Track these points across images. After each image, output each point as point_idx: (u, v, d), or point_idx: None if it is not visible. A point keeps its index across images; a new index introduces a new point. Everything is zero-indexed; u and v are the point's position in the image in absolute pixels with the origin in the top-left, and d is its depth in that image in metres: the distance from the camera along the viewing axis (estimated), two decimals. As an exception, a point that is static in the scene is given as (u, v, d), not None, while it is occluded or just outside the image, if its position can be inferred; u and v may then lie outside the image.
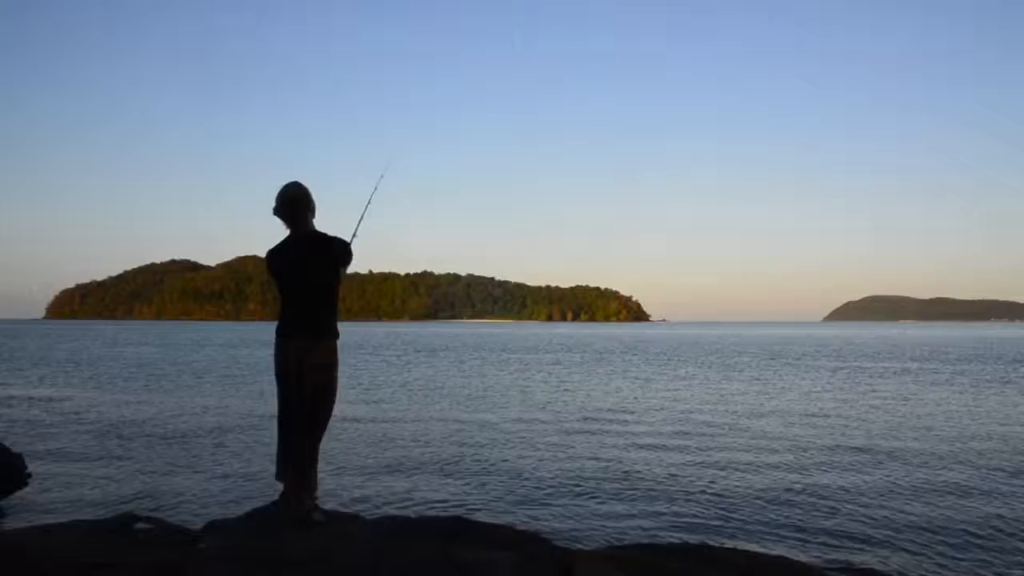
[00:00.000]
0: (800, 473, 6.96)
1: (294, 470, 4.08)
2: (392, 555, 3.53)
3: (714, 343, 47.34)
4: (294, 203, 4.18)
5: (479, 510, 5.49)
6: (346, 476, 6.69)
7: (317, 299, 4.07)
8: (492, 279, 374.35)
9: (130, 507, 5.42)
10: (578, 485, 6.43)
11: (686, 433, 9.37)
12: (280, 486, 4.25)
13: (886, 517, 5.43)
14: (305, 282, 4.09)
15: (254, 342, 44.24)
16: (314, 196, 4.23)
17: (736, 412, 11.57)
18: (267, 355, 29.44)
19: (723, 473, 6.94)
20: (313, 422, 4.09)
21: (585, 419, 10.75)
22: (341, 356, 4.20)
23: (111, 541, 3.70)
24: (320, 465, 4.33)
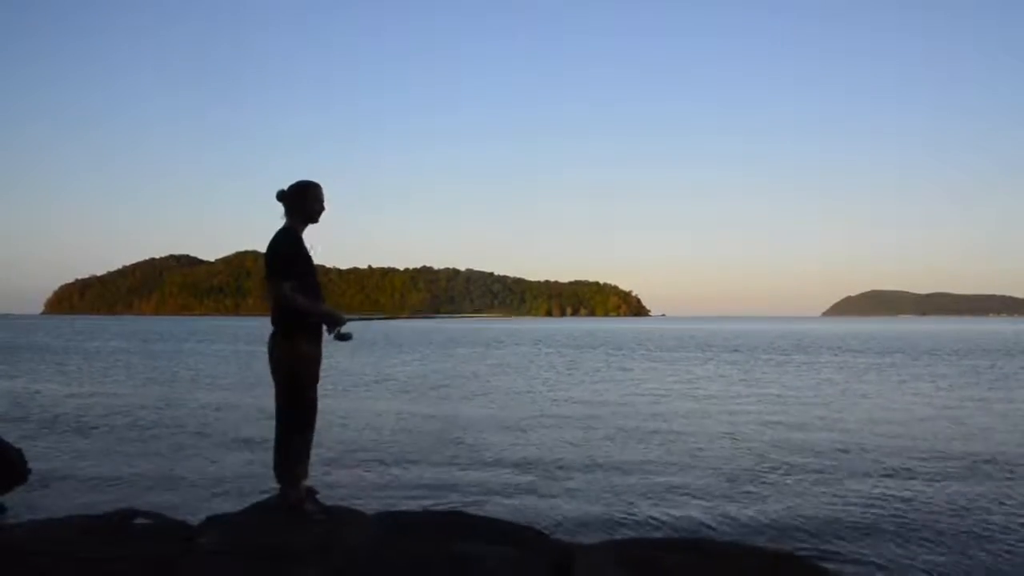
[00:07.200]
0: (796, 467, 6.97)
1: (280, 462, 4.14)
2: (391, 549, 3.54)
3: (701, 338, 47.46)
4: (285, 194, 4.19)
5: (478, 504, 5.50)
6: (344, 471, 6.70)
7: (272, 295, 4.08)
8: (491, 274, 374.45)
9: (130, 502, 5.43)
10: (576, 480, 6.44)
11: (680, 426, 9.38)
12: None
13: (881, 510, 5.44)
14: (265, 278, 4.12)
15: (249, 338, 44.23)
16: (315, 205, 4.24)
17: (717, 406, 11.59)
18: (257, 351, 29.42)
19: (720, 468, 6.95)
20: (283, 415, 4.12)
21: (583, 414, 10.76)
22: (331, 351, 4.19)
23: (111, 536, 3.71)
24: (316, 460, 4.33)
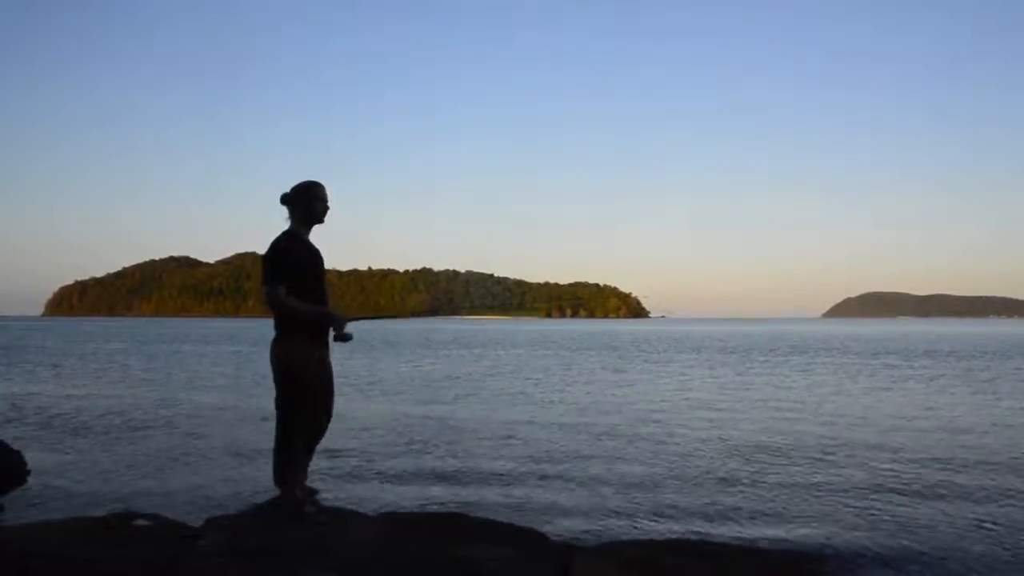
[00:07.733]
0: (793, 469, 6.97)
1: (280, 464, 4.13)
2: (392, 552, 3.54)
3: (699, 339, 47.50)
4: (287, 197, 4.19)
5: (477, 506, 5.49)
6: (345, 472, 6.69)
7: (266, 299, 4.10)
8: (491, 276, 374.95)
9: (129, 503, 5.42)
10: (575, 481, 6.44)
11: (675, 428, 9.38)
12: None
13: (877, 511, 5.45)
14: (262, 282, 4.13)
15: (249, 339, 44.21)
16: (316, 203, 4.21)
17: (719, 407, 11.59)
18: (253, 352, 29.30)
19: (718, 470, 6.95)
20: (284, 416, 4.12)
21: (582, 415, 10.76)
22: (337, 353, 4.20)
23: (110, 537, 3.71)
24: (315, 461, 4.32)
